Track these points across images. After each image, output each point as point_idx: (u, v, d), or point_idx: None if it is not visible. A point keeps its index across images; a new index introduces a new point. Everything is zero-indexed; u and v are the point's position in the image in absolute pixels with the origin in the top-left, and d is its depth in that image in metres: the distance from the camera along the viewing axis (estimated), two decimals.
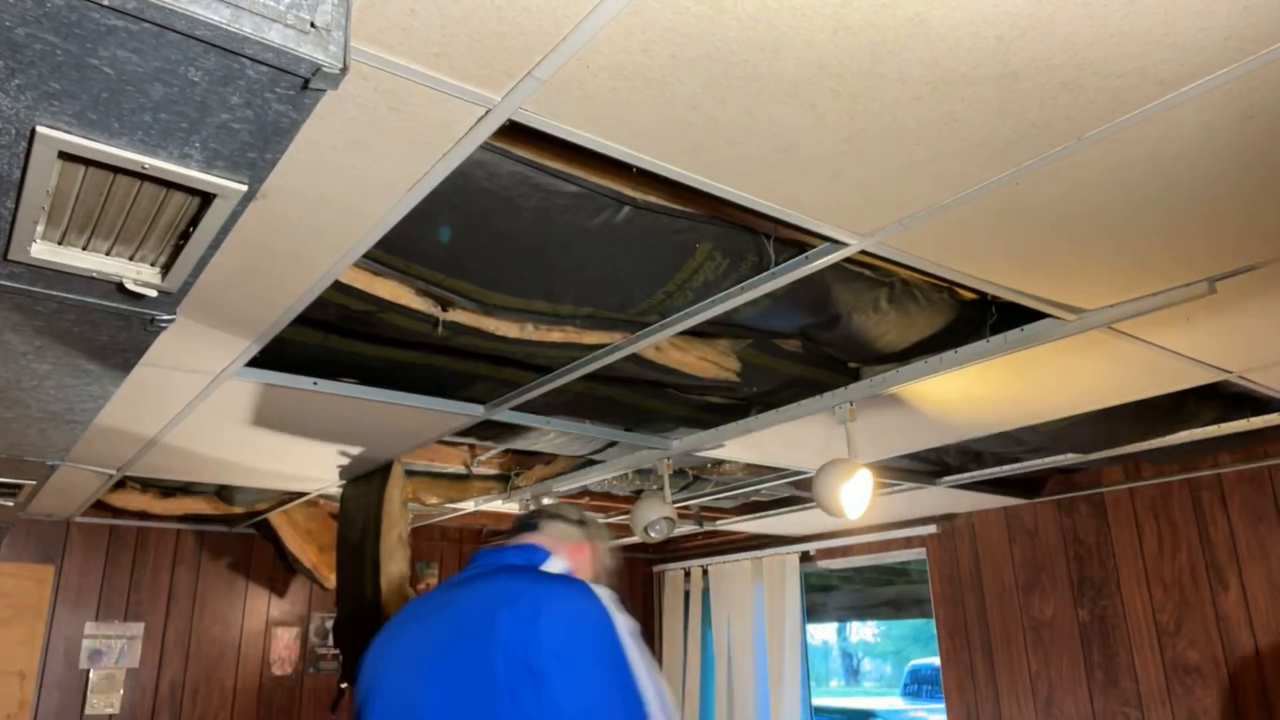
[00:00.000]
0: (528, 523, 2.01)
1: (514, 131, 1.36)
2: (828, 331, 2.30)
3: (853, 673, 14.92)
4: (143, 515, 4.36)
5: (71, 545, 4.45)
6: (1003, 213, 1.59)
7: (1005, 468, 3.82)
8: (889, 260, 1.95)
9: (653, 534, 3.36)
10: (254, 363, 2.30)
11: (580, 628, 1.60)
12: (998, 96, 1.24)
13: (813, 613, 5.56)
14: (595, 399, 2.83)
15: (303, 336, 2.28)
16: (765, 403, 2.92)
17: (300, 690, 4.96)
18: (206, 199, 1.18)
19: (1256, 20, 1.09)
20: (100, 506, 4.04)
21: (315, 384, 2.53)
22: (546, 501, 4.24)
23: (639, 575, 6.48)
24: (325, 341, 2.33)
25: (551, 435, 3.16)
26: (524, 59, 1.14)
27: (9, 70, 0.91)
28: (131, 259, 1.35)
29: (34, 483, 2.89)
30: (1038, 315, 2.14)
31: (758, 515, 4.84)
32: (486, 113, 1.24)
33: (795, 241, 1.96)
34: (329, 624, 5.11)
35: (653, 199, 1.81)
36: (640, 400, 2.87)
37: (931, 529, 4.81)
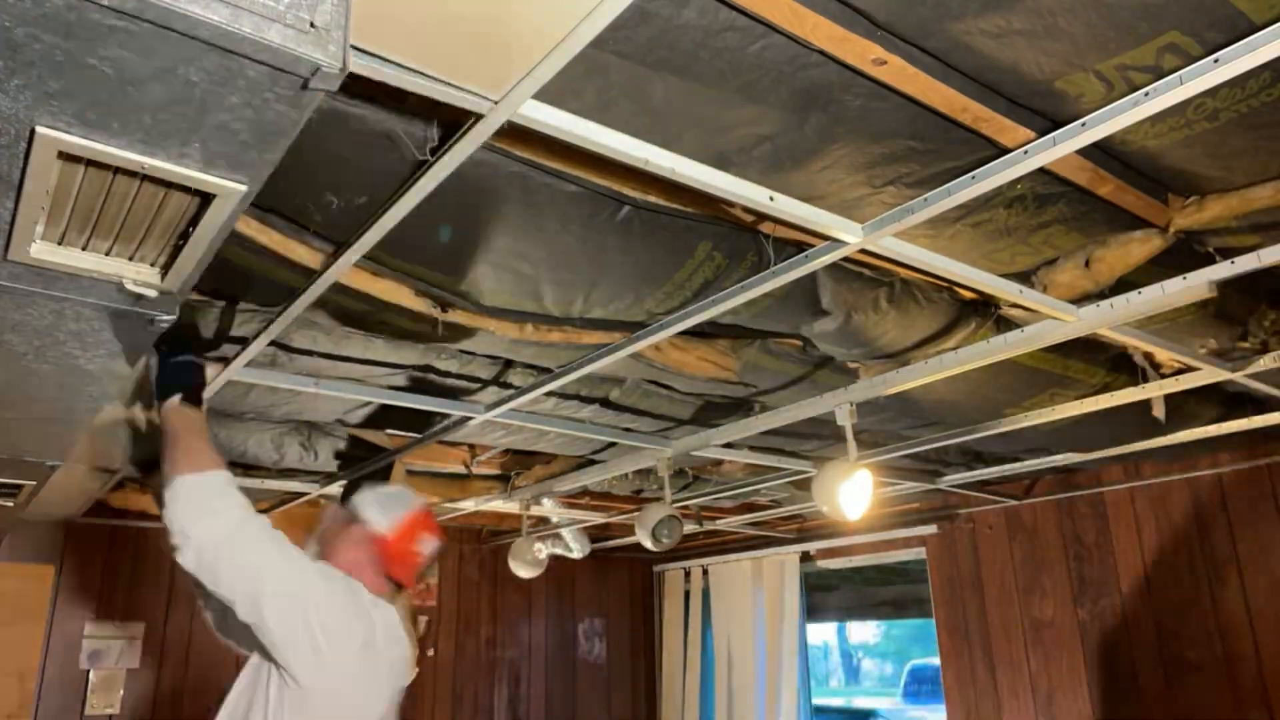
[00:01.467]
0: None
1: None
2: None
3: (853, 673, 14.92)
4: (142, 515, 4.35)
5: (71, 545, 4.45)
6: None
7: (1005, 467, 3.83)
8: (886, 258, 1.95)
9: (664, 538, 3.35)
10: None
11: None
12: None
13: (813, 613, 5.56)
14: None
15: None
16: (764, 403, 2.92)
17: None
18: (206, 199, 1.18)
19: None
20: (100, 507, 4.04)
21: (316, 384, 2.53)
22: (546, 503, 4.24)
23: (639, 575, 6.48)
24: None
25: (551, 435, 3.16)
26: (523, 60, 1.13)
27: (9, 70, 0.91)
28: (131, 259, 1.35)
29: (34, 483, 2.89)
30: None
31: (758, 515, 4.84)
32: (495, 106, 1.24)
33: (794, 241, 1.96)
34: None
35: (653, 199, 1.81)
36: (637, 400, 2.87)
37: (931, 529, 4.81)
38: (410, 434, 3.21)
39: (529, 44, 1.11)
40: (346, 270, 1.76)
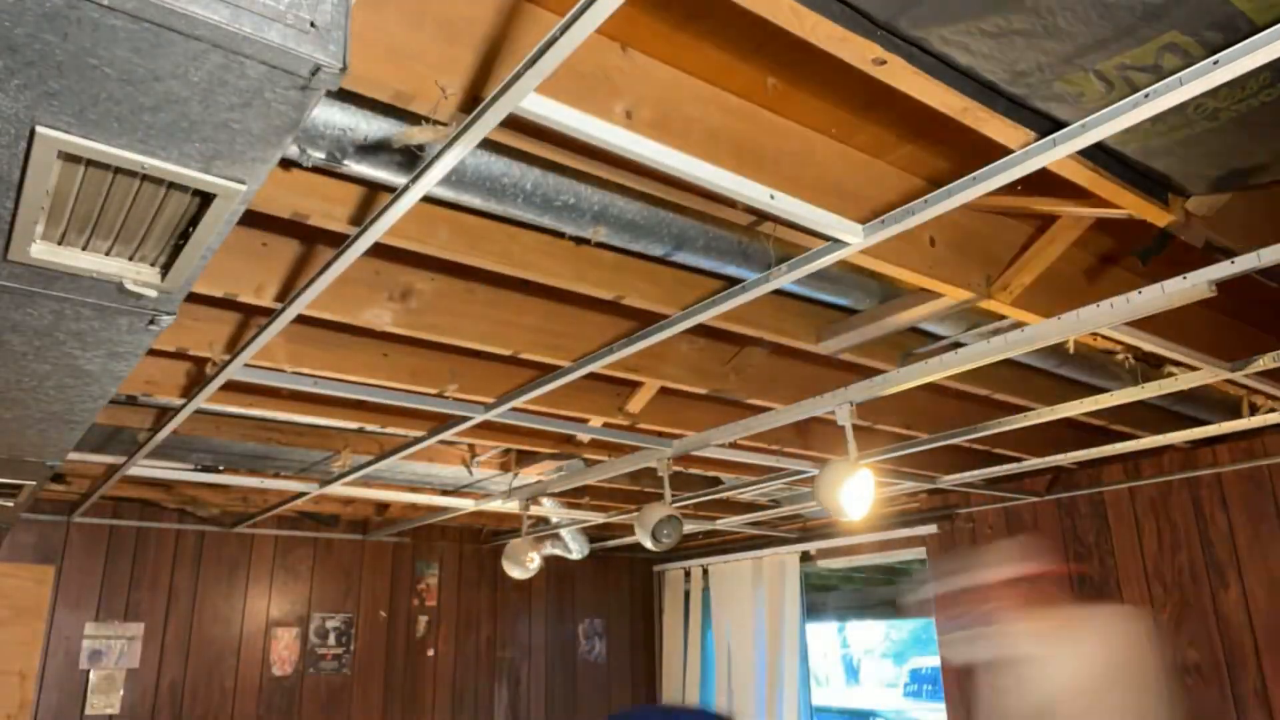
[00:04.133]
0: None
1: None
2: None
3: (853, 673, 14.92)
4: (142, 515, 4.35)
5: (71, 545, 4.45)
6: None
7: (1005, 467, 3.82)
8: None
9: (664, 538, 3.34)
10: None
11: None
12: None
13: (813, 612, 5.56)
14: None
15: None
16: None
17: (300, 690, 4.95)
18: (206, 199, 1.18)
19: None
20: (101, 507, 4.04)
21: (316, 384, 2.54)
22: (546, 503, 4.23)
23: (639, 575, 6.49)
24: None
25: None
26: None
27: (9, 70, 0.91)
28: (131, 259, 1.35)
29: (34, 483, 2.89)
30: None
31: (758, 515, 4.84)
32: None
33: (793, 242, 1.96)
34: (329, 624, 5.11)
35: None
36: None
37: (932, 529, 4.81)
38: (410, 433, 3.22)
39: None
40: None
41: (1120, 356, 2.65)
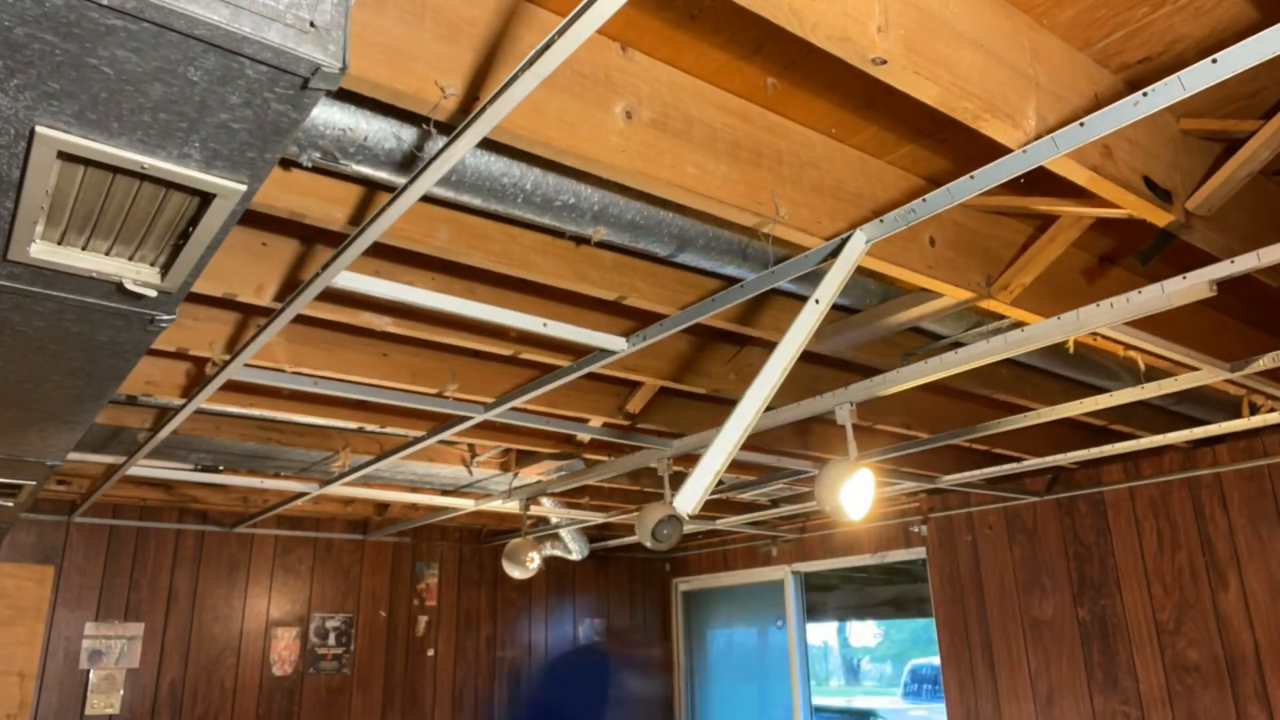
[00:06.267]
0: None
1: None
2: None
3: (852, 673, 14.92)
4: (142, 515, 4.35)
5: (71, 545, 4.45)
6: None
7: (1005, 467, 3.82)
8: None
9: (664, 538, 3.33)
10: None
11: None
12: None
13: (813, 613, 5.56)
14: None
15: None
16: None
17: (300, 690, 4.95)
18: (206, 199, 1.18)
19: None
20: (101, 507, 4.04)
21: (315, 384, 2.54)
22: (546, 502, 4.23)
23: (639, 575, 6.48)
24: None
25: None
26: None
27: (9, 70, 0.91)
28: (131, 259, 1.35)
29: (34, 483, 2.88)
30: None
31: (758, 515, 4.84)
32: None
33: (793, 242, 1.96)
34: (329, 624, 5.11)
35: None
36: None
37: (932, 529, 4.81)
38: (410, 433, 3.22)
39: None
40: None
41: (1129, 358, 2.65)
